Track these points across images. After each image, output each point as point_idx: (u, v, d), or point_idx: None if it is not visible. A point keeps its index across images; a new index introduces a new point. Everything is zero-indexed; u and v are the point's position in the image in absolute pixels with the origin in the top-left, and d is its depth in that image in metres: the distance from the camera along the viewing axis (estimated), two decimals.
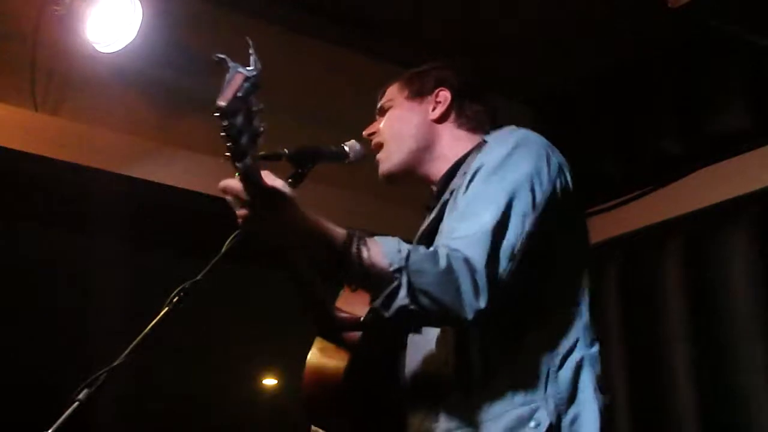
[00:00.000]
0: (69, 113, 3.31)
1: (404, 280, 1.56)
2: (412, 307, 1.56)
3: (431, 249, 1.62)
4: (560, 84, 4.19)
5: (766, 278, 3.44)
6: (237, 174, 1.52)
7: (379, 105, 2.11)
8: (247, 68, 1.45)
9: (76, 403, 1.47)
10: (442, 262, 1.57)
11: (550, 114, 4.28)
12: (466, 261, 1.59)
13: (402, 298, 1.56)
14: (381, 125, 2.07)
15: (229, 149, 1.46)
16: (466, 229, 1.66)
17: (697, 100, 3.80)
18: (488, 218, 1.66)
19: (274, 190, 1.56)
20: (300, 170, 1.92)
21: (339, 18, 3.79)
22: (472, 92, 2.06)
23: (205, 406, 7.33)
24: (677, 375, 3.59)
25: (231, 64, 1.44)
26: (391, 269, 1.56)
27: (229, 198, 1.58)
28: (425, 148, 2.01)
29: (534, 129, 1.90)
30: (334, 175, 2.72)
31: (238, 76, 1.44)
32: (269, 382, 8.02)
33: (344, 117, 3.33)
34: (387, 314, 1.58)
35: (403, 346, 1.88)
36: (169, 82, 3.36)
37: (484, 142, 1.89)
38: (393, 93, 2.08)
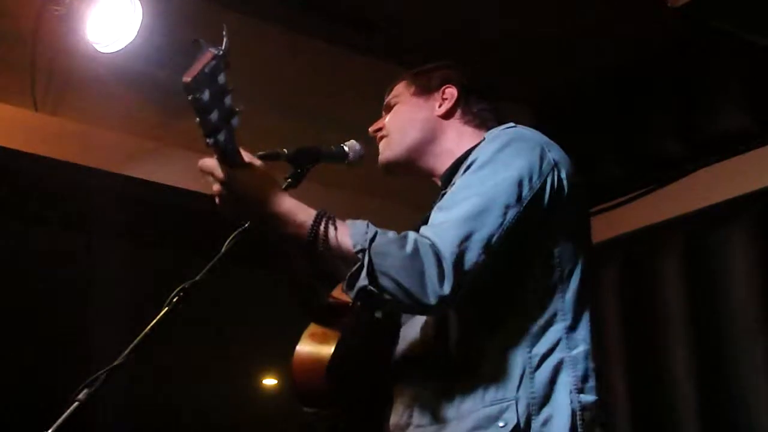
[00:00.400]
0: (69, 113, 3.31)
1: (366, 260, 1.57)
2: (371, 288, 1.57)
3: (402, 233, 1.62)
4: (560, 84, 4.19)
5: (766, 278, 3.44)
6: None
7: (385, 102, 2.12)
8: (218, 47, 1.48)
9: (76, 403, 1.47)
10: (409, 247, 1.58)
11: (550, 114, 4.28)
12: (433, 246, 1.59)
13: (362, 278, 1.57)
14: (386, 120, 2.08)
15: (199, 126, 1.48)
16: (442, 217, 1.67)
17: (697, 100, 3.80)
18: (466, 207, 1.65)
19: (247, 166, 1.60)
20: (299, 170, 1.93)
21: (339, 18, 3.79)
22: (478, 90, 2.07)
23: (205, 406, 7.33)
24: (677, 375, 3.59)
25: (203, 44, 1.48)
26: (355, 250, 1.58)
27: (209, 178, 1.62)
28: (429, 142, 2.01)
29: (534, 129, 1.89)
30: (334, 175, 2.72)
31: (207, 54, 1.47)
32: (269, 382, 8.02)
33: (344, 117, 3.33)
34: (350, 295, 1.60)
35: (395, 334, 1.89)
36: (169, 82, 3.36)
37: (484, 139, 1.89)
38: (400, 90, 2.09)
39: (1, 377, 6.19)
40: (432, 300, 1.57)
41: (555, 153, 1.80)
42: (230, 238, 1.73)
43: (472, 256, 1.61)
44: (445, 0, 3.69)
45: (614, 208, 4.05)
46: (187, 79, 1.44)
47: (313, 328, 1.88)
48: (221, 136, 1.51)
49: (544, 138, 1.84)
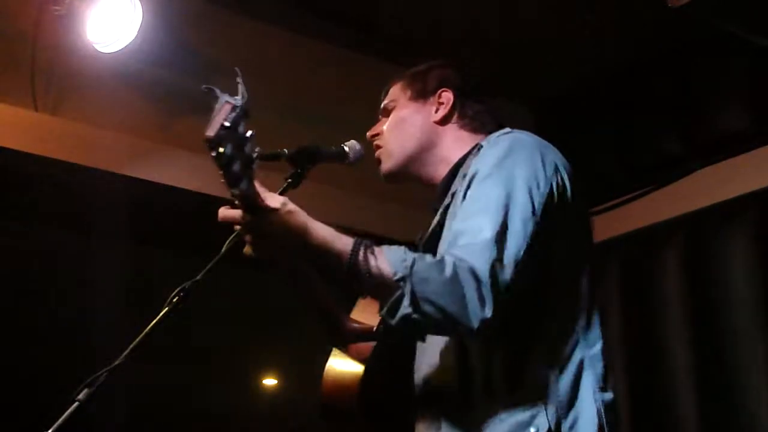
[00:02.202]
0: (69, 113, 3.31)
1: (408, 288, 1.56)
2: (415, 315, 1.56)
3: (438, 258, 1.62)
4: (560, 84, 4.19)
5: (766, 278, 3.44)
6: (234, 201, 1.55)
7: (381, 106, 2.11)
8: (235, 97, 1.47)
9: (76, 403, 1.48)
10: (448, 271, 1.57)
11: (550, 114, 4.28)
12: (472, 270, 1.58)
13: (405, 307, 1.56)
14: (384, 126, 2.07)
15: (222, 177, 1.47)
16: (469, 237, 1.65)
17: (697, 100, 3.80)
18: (490, 226, 1.65)
19: (273, 209, 1.58)
20: (300, 170, 1.94)
21: (340, 18, 3.79)
22: (474, 92, 2.06)
23: (205, 406, 7.33)
24: (677, 375, 3.59)
25: (219, 93, 1.46)
26: (396, 278, 1.56)
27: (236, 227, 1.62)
28: (427, 149, 2.01)
29: (534, 129, 1.90)
30: (334, 175, 2.72)
31: (226, 106, 1.45)
32: (269, 382, 8.02)
33: (344, 117, 3.33)
34: (392, 323, 1.59)
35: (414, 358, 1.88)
36: (169, 82, 3.36)
37: (480, 146, 1.88)
38: (396, 93, 2.08)
39: (1, 377, 6.19)
40: (475, 324, 1.57)
41: (553, 155, 1.81)
42: (230, 238, 1.73)
43: (507, 276, 1.61)
44: (445, 1, 3.69)
45: (614, 208, 4.05)
46: (209, 134, 1.42)
47: (337, 352, 1.90)
48: (243, 185, 1.50)
49: (541, 141, 1.84)
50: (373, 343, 1.89)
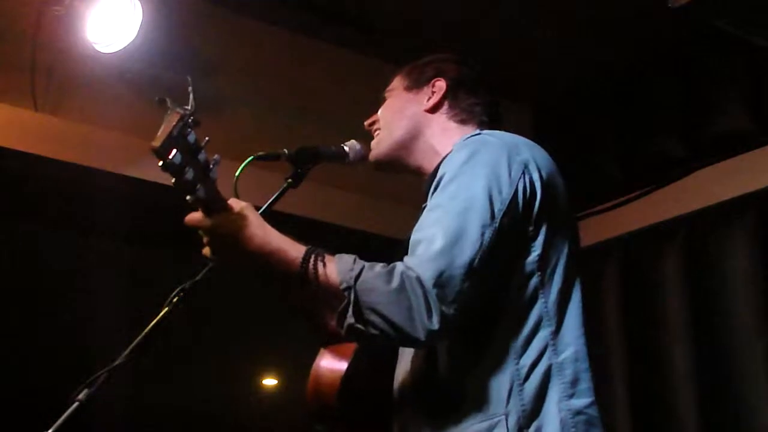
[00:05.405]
0: (69, 113, 3.31)
1: (352, 298, 1.56)
2: (358, 325, 1.56)
3: (389, 266, 1.60)
4: (560, 84, 4.19)
5: (766, 278, 3.44)
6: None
7: (383, 95, 2.12)
8: (184, 107, 1.50)
9: (76, 403, 1.48)
10: (395, 282, 1.56)
11: (551, 114, 4.27)
12: (419, 280, 1.55)
13: (349, 317, 1.56)
14: (378, 114, 2.08)
15: (174, 185, 1.50)
16: (423, 247, 1.62)
17: (697, 100, 3.80)
18: (443, 236, 1.60)
19: (230, 213, 1.61)
20: (299, 170, 1.94)
21: (338, 18, 3.79)
22: (469, 84, 2.04)
23: (205, 406, 7.33)
24: (677, 375, 3.59)
25: (170, 105, 1.49)
26: (341, 287, 1.57)
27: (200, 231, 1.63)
28: (415, 137, 1.99)
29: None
30: (334, 175, 2.72)
31: (174, 116, 1.48)
32: (269, 382, 8.02)
33: (344, 117, 3.33)
34: (342, 332, 1.59)
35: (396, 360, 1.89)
36: (169, 82, 3.36)
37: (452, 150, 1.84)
38: (395, 83, 2.09)
39: (1, 377, 6.20)
40: (421, 335, 1.55)
41: (525, 153, 1.75)
42: None
43: (455, 286, 1.56)
44: (445, 0, 3.69)
45: (614, 208, 4.05)
46: (155, 145, 1.44)
47: (324, 352, 1.91)
48: (200, 192, 1.53)
49: (513, 140, 1.79)
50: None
